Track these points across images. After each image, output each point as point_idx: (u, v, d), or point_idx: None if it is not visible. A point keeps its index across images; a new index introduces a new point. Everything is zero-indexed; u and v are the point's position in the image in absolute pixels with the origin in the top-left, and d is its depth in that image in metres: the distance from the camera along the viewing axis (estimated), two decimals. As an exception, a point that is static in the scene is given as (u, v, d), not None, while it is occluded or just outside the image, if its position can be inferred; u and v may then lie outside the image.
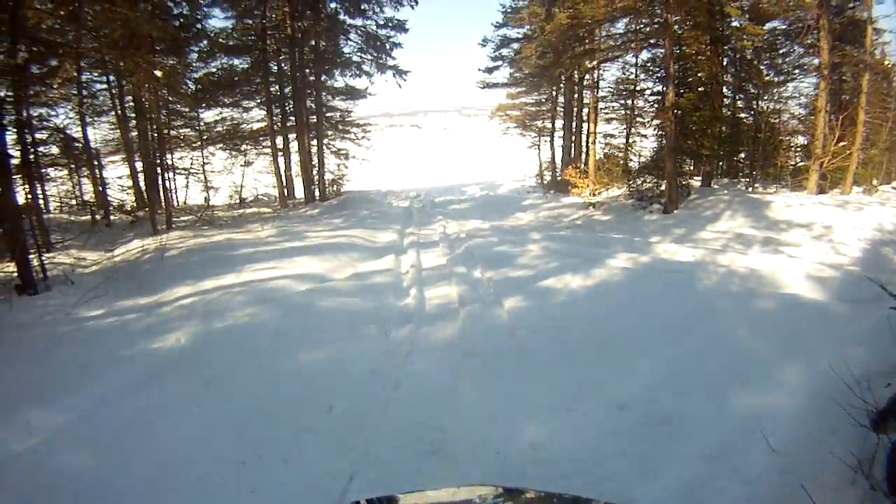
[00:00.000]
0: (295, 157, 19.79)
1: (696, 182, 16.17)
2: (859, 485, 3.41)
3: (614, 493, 3.51)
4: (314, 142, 19.84)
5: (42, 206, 13.31)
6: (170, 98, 16.75)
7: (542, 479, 3.62)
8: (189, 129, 19.23)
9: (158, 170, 15.29)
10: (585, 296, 6.99)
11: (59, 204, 16.17)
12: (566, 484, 3.56)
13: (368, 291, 7.48)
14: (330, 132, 21.23)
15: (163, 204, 14.51)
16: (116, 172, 16.55)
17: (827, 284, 6.90)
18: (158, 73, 12.88)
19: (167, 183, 16.80)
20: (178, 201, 18.82)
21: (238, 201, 19.70)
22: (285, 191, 19.49)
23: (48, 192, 15.08)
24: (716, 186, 15.93)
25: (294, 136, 19.57)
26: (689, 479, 3.63)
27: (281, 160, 19.57)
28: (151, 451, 3.87)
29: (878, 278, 5.63)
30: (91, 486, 3.52)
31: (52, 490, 3.48)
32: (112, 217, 14.24)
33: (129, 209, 15.10)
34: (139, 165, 15.56)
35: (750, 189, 15.59)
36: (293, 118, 19.57)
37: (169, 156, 16.89)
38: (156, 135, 15.42)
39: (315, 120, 19.79)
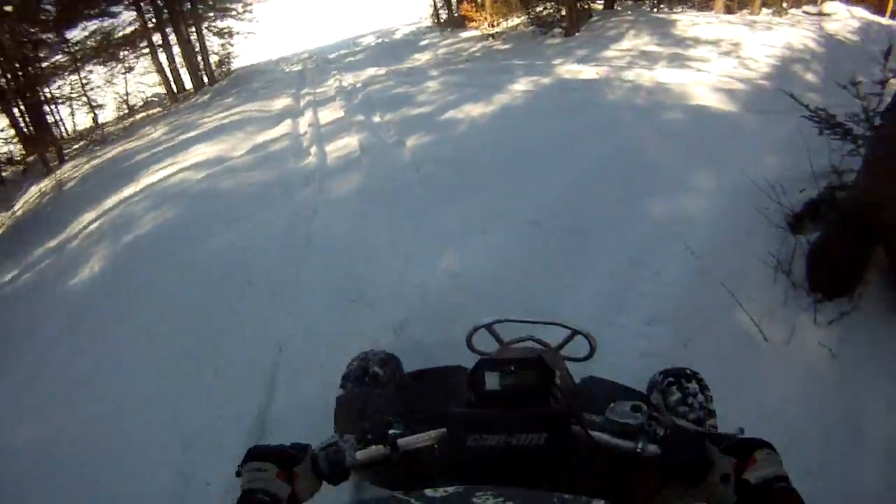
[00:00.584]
0: (177, 49, 18.48)
1: (598, 6, 15.53)
2: (781, 283, 3.56)
3: (539, 308, 3.60)
4: (193, 28, 18.43)
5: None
6: (31, 30, 15.09)
7: (465, 306, 3.69)
8: (60, 55, 17.57)
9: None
10: (488, 122, 6.87)
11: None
12: (491, 307, 3.57)
13: (268, 161, 7.25)
14: (210, 14, 19.78)
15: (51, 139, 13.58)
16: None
17: (736, 96, 6.85)
18: (9, 9, 11.64)
19: (52, 117, 15.64)
20: (66, 132, 17.52)
21: (127, 111, 18.49)
22: (173, 86, 18.29)
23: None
24: (619, 8, 15.37)
25: (171, 28, 18.16)
26: (610, 286, 3.75)
27: (162, 56, 18.15)
28: (101, 383, 3.88)
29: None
30: (49, 444, 3.53)
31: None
32: (4, 174, 13.23)
33: (19, 159, 13.96)
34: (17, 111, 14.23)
35: (655, 10, 15.14)
36: (166, 11, 17.93)
37: (47, 89, 15.63)
38: (21, 74, 14.04)
39: (190, 6, 18.29)
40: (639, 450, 1.22)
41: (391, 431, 1.31)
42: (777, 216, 3.98)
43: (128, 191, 7.53)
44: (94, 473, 3.21)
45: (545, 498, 0.88)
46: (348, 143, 7.23)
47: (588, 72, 9.15)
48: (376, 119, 8.19)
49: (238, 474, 1.22)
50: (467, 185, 5.26)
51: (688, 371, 2.59)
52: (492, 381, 1.39)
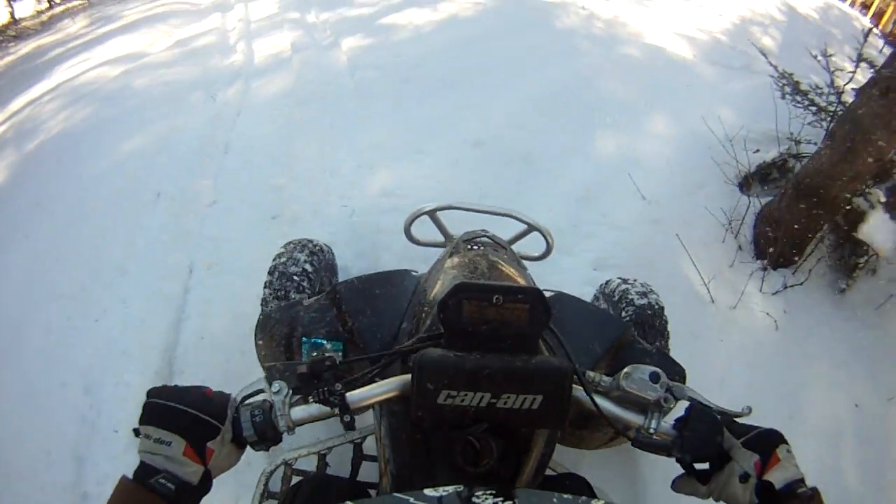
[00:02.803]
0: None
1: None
2: (729, 243, 3.49)
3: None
4: None
5: None
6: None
7: (397, 230, 3.21)
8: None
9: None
10: (433, 31, 6.19)
11: None
12: (423, 231, 3.30)
13: (191, 57, 6.51)
14: None
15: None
16: None
17: (694, 44, 6.29)
18: None
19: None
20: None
21: (48, 4, 17.04)
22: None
23: None
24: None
25: None
26: (555, 222, 3.39)
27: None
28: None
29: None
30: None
31: None
32: None
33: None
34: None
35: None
36: None
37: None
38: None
39: None
40: (651, 430, 1.02)
41: (337, 387, 0.98)
42: (731, 172, 3.86)
43: (37, 90, 6.74)
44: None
45: (545, 497, 0.81)
46: (279, 41, 6.53)
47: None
48: (311, 18, 7.43)
49: (137, 433, 0.93)
50: (406, 97, 4.78)
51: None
52: (471, 313, 1.03)
